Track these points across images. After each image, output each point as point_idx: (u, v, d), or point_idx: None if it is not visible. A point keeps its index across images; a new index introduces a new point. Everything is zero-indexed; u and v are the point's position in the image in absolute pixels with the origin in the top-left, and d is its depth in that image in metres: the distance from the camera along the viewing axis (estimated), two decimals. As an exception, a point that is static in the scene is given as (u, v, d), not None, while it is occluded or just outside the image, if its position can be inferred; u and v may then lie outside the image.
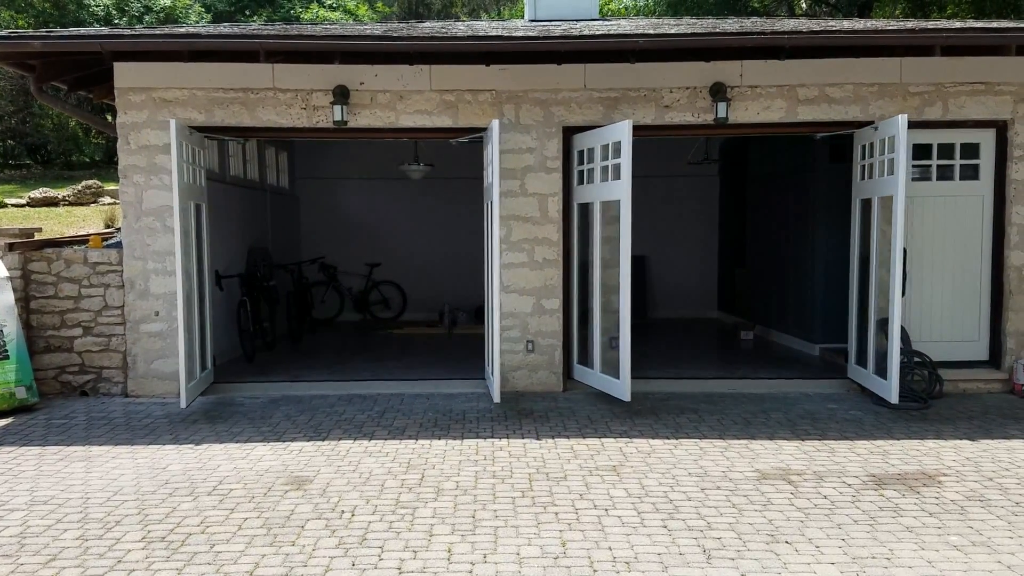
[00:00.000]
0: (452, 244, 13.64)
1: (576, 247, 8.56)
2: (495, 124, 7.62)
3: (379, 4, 31.38)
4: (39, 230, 10.50)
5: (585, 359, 8.51)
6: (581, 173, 8.43)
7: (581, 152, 8.40)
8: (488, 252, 8.14)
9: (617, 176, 7.70)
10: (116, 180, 8.81)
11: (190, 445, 6.66)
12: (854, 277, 8.56)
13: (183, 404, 7.63)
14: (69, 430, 7.15)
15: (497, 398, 7.77)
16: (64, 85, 9.06)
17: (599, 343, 8.18)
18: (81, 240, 9.55)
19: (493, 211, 7.76)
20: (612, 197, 7.83)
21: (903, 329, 8.38)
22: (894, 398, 7.57)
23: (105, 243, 8.95)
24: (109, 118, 12.99)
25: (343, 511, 5.21)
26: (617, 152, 7.70)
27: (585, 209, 8.47)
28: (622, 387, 7.75)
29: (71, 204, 19.33)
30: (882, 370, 7.81)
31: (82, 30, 9.82)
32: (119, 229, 9.96)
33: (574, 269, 8.58)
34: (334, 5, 29.05)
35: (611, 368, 8.00)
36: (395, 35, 7.95)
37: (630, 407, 7.76)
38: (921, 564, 4.42)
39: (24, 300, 8.28)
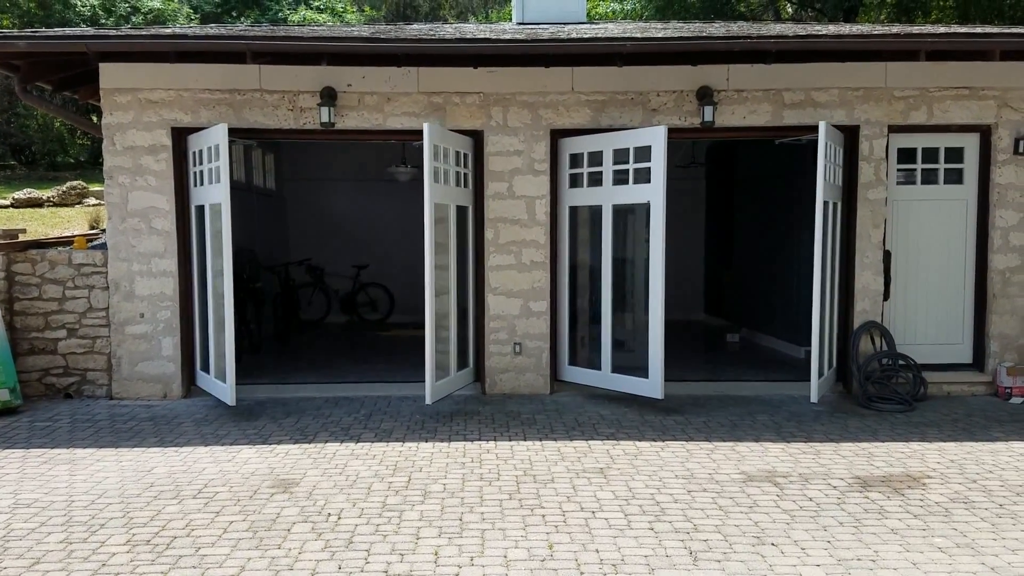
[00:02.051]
0: (439, 246, 13.60)
1: (567, 249, 8.58)
2: (426, 127, 7.58)
3: (367, 8, 31.36)
4: (23, 231, 10.41)
5: (578, 360, 8.54)
6: (576, 176, 8.46)
7: (577, 155, 8.42)
8: (460, 255, 8.31)
9: (643, 180, 7.85)
10: (101, 181, 8.77)
11: (175, 448, 6.62)
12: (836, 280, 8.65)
13: (232, 402, 7.72)
14: (53, 432, 7.10)
15: (429, 400, 7.71)
16: (49, 85, 9.00)
17: (610, 344, 8.22)
18: (66, 241, 9.48)
19: (427, 212, 7.72)
20: (635, 200, 7.98)
21: (887, 332, 8.46)
22: (813, 397, 7.79)
23: (90, 244, 8.90)
24: (94, 119, 12.90)
25: (329, 514, 5.20)
26: (641, 156, 7.85)
27: (577, 212, 8.53)
28: (652, 385, 7.84)
29: (56, 205, 19.22)
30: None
31: (68, 30, 9.76)
32: (104, 230, 9.91)
33: (563, 271, 8.59)
34: (321, 7, 29.02)
35: (626, 369, 8.10)
36: (382, 37, 7.93)
37: (616, 409, 7.78)
38: (906, 566, 4.45)
39: (8, 302, 8.22)
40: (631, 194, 8.02)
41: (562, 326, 8.64)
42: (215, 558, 4.56)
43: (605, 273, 8.25)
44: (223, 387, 7.86)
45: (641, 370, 7.94)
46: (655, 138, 7.73)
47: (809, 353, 9.85)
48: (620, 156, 8.06)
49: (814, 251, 7.71)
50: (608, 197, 8.18)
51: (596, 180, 8.30)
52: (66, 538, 4.84)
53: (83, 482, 5.80)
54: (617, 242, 8.22)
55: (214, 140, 7.76)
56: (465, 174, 8.44)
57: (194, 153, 8.26)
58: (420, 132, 8.39)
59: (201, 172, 8.15)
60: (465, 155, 8.41)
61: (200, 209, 8.28)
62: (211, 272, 8.07)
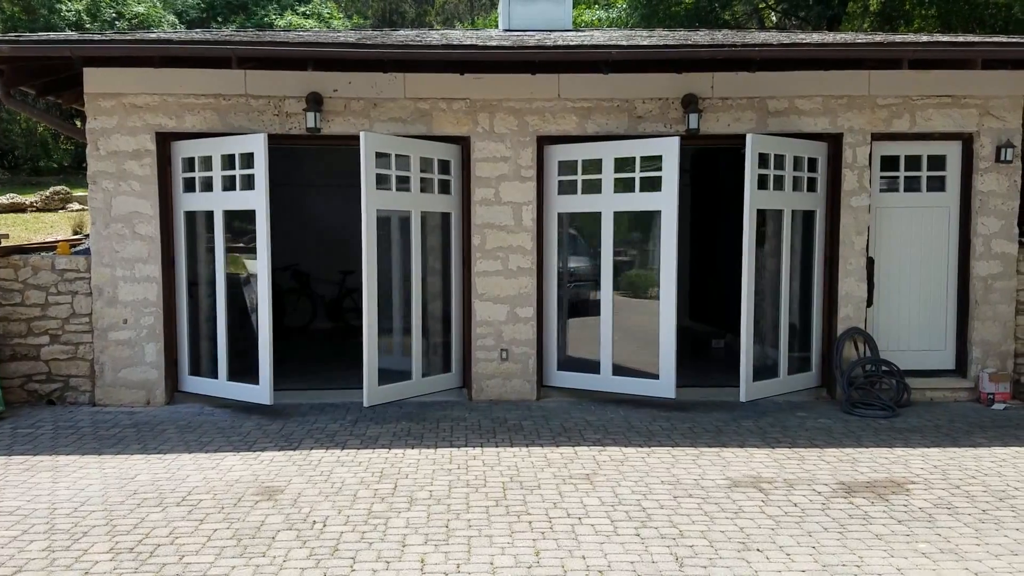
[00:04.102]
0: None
1: (555, 255, 8.60)
2: (363, 135, 7.67)
3: (355, 17, 31.37)
4: (6, 236, 10.31)
5: (570, 364, 8.58)
6: (567, 183, 8.49)
7: (569, 162, 8.45)
8: (443, 261, 8.37)
9: (651, 188, 8.01)
10: (85, 186, 8.72)
11: (158, 455, 6.58)
12: (818, 286, 8.72)
13: (269, 402, 7.85)
14: (35, 439, 7.03)
15: (367, 403, 7.83)
16: (33, 90, 8.95)
17: (611, 347, 8.29)
18: (49, 247, 9.40)
19: (364, 219, 7.89)
20: (642, 208, 8.14)
21: (871, 338, 8.51)
22: (743, 396, 7.99)
23: (73, 250, 8.82)
24: (78, 124, 12.82)
25: (314, 521, 5.17)
26: (648, 164, 7.99)
27: (570, 218, 8.63)
28: (664, 386, 8.00)
29: (39, 210, 19.10)
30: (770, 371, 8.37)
31: (52, 35, 9.71)
32: (87, 236, 9.84)
33: (551, 277, 8.60)
34: (308, 12, 28.98)
35: (630, 371, 8.21)
36: (369, 43, 7.93)
37: (603, 414, 7.79)
38: (890, 571, 4.47)
39: (-11, 308, 8.15)
40: (638, 202, 8.14)
41: (550, 331, 8.64)
42: (199, 566, 4.53)
43: (605, 277, 8.28)
44: (254, 389, 7.93)
45: (647, 372, 8.03)
46: (668, 148, 7.90)
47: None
48: (622, 164, 8.14)
49: (742, 257, 7.96)
50: (609, 204, 8.23)
51: (592, 187, 8.32)
52: (48, 546, 4.80)
53: (66, 489, 5.75)
54: (617, 247, 8.31)
55: (245, 147, 7.86)
56: (444, 180, 8.46)
57: (192, 159, 8.22)
58: (408, 138, 8.40)
59: (209, 178, 8.13)
60: (444, 161, 8.43)
61: (191, 215, 8.28)
62: (221, 277, 8.06)
